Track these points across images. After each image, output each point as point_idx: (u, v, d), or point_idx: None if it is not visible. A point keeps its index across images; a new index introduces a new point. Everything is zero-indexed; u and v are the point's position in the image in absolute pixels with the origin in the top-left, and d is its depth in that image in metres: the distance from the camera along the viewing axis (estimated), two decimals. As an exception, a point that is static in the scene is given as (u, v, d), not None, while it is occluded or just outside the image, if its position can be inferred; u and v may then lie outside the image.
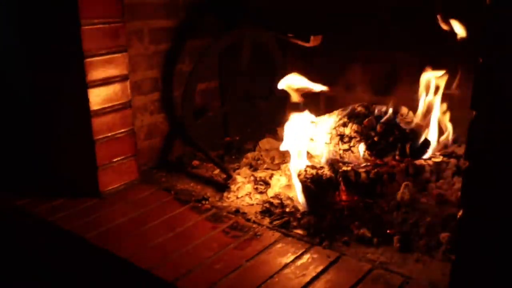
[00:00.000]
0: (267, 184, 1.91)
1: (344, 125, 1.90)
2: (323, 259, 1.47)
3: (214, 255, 1.52)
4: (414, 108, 1.98)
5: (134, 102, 2.02)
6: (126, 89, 1.93)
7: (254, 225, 1.68)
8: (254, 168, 2.07)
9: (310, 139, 1.98)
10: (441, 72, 1.85)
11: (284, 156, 2.08)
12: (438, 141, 1.88)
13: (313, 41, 2.11)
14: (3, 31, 2.07)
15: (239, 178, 1.94)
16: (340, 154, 1.88)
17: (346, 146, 1.86)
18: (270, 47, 2.31)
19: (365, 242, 1.54)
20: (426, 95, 1.88)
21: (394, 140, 1.82)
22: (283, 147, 1.91)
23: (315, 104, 2.41)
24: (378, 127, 1.85)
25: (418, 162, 1.77)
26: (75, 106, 1.87)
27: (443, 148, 1.90)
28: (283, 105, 2.04)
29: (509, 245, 0.99)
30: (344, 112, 1.96)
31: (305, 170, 1.74)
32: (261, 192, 1.88)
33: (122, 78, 1.91)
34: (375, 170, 1.71)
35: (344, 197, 1.69)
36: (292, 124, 1.91)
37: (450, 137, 1.90)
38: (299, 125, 1.92)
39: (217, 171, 2.10)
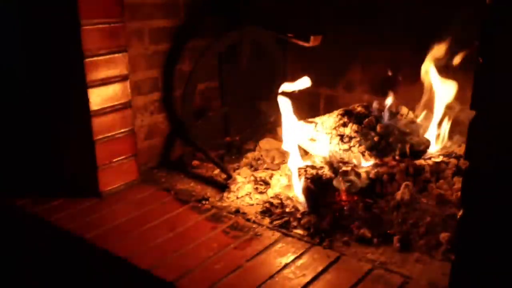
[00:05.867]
0: (267, 184, 1.91)
1: (344, 125, 1.90)
2: (323, 259, 1.47)
3: (214, 255, 1.52)
4: (414, 108, 1.98)
5: (134, 102, 2.02)
6: (126, 89, 1.93)
7: (254, 225, 1.68)
8: (254, 168, 2.07)
9: (311, 139, 1.98)
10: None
11: (284, 156, 2.08)
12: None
13: (313, 41, 2.11)
14: (3, 31, 2.07)
15: (239, 178, 1.94)
16: (340, 154, 1.88)
17: (346, 146, 1.86)
18: (270, 47, 2.31)
19: (365, 242, 1.54)
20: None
21: (394, 140, 1.82)
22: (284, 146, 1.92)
23: (315, 104, 2.41)
24: (378, 127, 1.85)
25: (418, 162, 1.77)
26: (75, 106, 1.87)
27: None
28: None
29: (509, 245, 0.99)
30: (344, 112, 1.96)
31: (305, 170, 1.75)
32: (261, 192, 1.88)
33: (122, 78, 1.91)
34: (375, 170, 1.71)
35: (344, 197, 1.69)
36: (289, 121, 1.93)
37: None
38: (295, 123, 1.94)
39: (217, 171, 2.10)
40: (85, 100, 1.81)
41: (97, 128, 1.86)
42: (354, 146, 1.84)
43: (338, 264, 1.46)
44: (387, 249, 1.50)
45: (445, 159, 1.82)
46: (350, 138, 1.85)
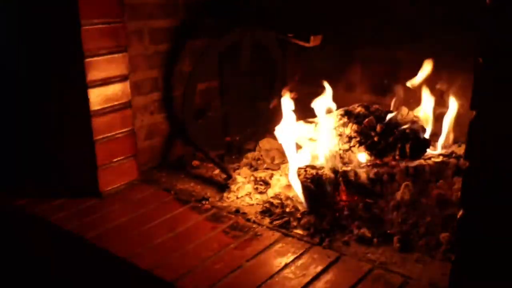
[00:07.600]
0: (267, 184, 1.91)
1: (344, 125, 1.89)
2: (323, 259, 1.47)
3: (214, 255, 1.52)
4: (414, 108, 1.98)
5: (134, 102, 2.02)
6: (126, 89, 1.93)
7: (254, 225, 1.68)
8: (254, 168, 2.07)
9: (310, 139, 1.98)
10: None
11: (284, 156, 2.08)
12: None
13: (313, 41, 2.11)
14: (3, 31, 2.07)
15: (239, 178, 1.94)
16: (340, 154, 1.88)
17: (346, 146, 1.85)
18: (270, 47, 2.31)
19: (365, 242, 1.54)
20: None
21: (394, 140, 1.82)
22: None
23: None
24: (378, 127, 1.85)
25: (418, 162, 1.77)
26: (75, 106, 1.87)
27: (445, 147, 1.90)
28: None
29: (509, 245, 0.99)
30: (344, 112, 1.96)
31: (305, 170, 1.74)
32: (261, 192, 1.88)
33: (122, 78, 1.91)
34: (375, 170, 1.71)
35: (344, 197, 1.69)
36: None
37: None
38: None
39: (217, 171, 2.10)
40: (85, 100, 1.81)
41: (97, 128, 1.86)
42: (354, 146, 1.83)
43: (338, 264, 1.46)
44: (387, 249, 1.50)
45: (445, 159, 1.81)
46: (350, 138, 1.85)
